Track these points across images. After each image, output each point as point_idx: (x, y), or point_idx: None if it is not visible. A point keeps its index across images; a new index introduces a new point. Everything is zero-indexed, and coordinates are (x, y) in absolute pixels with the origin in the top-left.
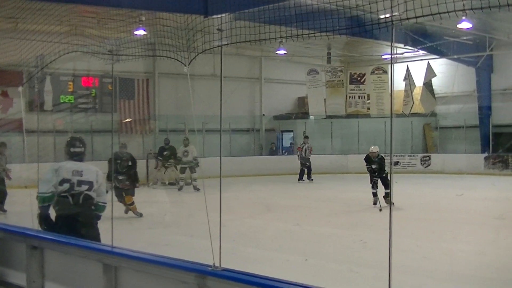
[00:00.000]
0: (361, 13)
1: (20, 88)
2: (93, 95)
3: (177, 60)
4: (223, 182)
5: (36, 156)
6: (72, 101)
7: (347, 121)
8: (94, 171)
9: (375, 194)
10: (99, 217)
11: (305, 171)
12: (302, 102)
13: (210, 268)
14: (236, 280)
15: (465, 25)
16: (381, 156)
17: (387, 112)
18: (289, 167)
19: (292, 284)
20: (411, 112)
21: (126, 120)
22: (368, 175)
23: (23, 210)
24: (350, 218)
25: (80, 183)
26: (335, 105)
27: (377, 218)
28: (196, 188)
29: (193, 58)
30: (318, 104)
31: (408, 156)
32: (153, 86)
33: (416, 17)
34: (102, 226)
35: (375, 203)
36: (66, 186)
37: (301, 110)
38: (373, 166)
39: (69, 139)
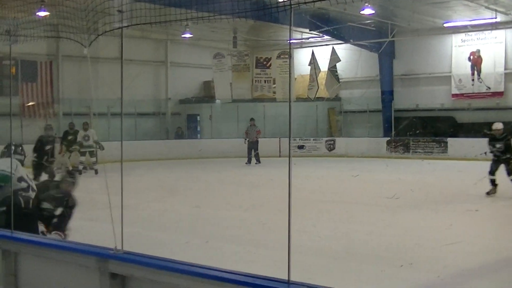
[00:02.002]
0: None
1: None
2: None
3: (77, 41)
4: (128, 166)
5: None
6: None
7: (253, 105)
8: None
9: (493, 182)
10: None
11: (253, 153)
12: (208, 86)
13: (111, 252)
14: (137, 263)
15: (367, 11)
16: (507, 134)
17: (292, 96)
18: (195, 151)
19: (191, 265)
20: (316, 96)
21: (29, 104)
22: None
23: None
24: (250, 201)
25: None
26: (241, 89)
27: (276, 200)
28: (96, 172)
29: (93, 40)
30: (224, 88)
31: (313, 140)
32: (56, 68)
33: (313, 2)
34: None
35: (491, 192)
36: (23, 184)
37: (207, 94)
38: (498, 146)
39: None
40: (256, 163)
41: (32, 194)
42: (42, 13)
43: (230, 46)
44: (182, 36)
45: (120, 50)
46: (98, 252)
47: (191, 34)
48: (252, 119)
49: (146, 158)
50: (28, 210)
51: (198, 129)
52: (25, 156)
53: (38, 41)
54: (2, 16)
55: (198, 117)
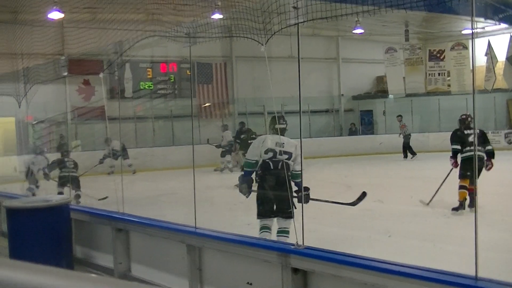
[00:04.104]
0: None
1: (101, 74)
2: (172, 80)
3: (254, 39)
4: (304, 162)
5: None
6: (152, 88)
7: (427, 99)
8: (294, 144)
9: None
10: (299, 187)
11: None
12: (380, 81)
13: (292, 247)
14: (318, 258)
15: None
16: None
17: (469, 88)
18: (369, 147)
19: (374, 260)
20: (494, 87)
21: (205, 105)
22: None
23: (108, 195)
24: (431, 195)
25: (281, 152)
26: (414, 83)
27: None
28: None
29: (270, 37)
30: (397, 83)
31: (491, 133)
32: (230, 69)
33: None
34: (184, 209)
35: None
36: (270, 154)
37: (380, 89)
38: None
39: (274, 117)
40: (412, 158)
41: (282, 157)
42: (216, 16)
43: (402, 40)
44: (353, 31)
45: (292, 48)
46: (280, 247)
47: (362, 29)
48: (398, 115)
49: (321, 155)
50: (277, 171)
51: (372, 124)
52: (286, 124)
53: (212, 44)
54: (180, 20)
55: (372, 112)
